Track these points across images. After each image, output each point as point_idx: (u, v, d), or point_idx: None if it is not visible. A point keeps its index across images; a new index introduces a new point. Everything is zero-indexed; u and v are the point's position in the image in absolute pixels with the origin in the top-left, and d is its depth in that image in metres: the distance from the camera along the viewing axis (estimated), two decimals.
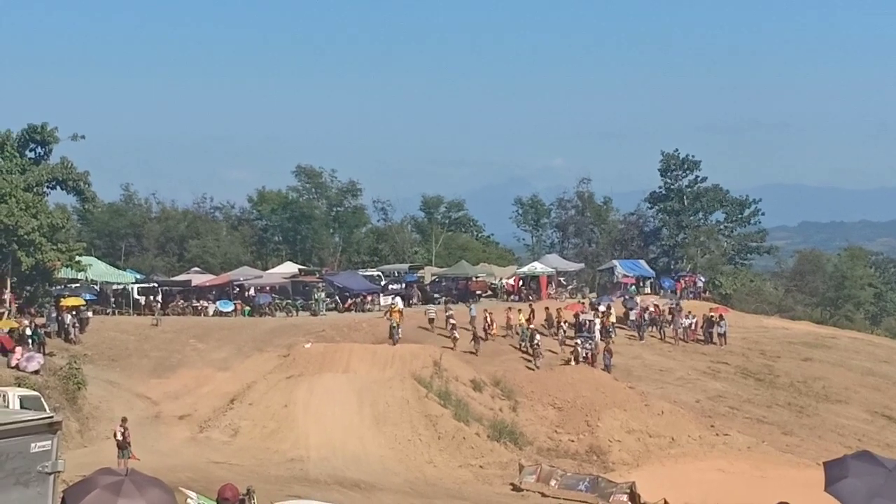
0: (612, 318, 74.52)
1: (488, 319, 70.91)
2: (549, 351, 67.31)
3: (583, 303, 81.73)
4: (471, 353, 65.62)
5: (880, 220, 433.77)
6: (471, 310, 73.50)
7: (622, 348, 70.70)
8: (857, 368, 75.24)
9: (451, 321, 68.75)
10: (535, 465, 48.56)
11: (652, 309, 79.86)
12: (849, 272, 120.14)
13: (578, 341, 67.54)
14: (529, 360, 65.25)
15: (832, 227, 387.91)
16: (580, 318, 72.23)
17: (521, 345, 68.03)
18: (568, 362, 65.37)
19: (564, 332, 70.44)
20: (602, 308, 76.81)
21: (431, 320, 71.67)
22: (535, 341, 66.08)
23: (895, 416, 67.18)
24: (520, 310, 73.92)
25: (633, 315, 78.04)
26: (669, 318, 78.34)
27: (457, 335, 67.14)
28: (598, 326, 71.11)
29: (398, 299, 76.51)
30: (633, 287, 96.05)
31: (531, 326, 69.59)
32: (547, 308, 76.48)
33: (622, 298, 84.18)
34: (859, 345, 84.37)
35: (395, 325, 65.87)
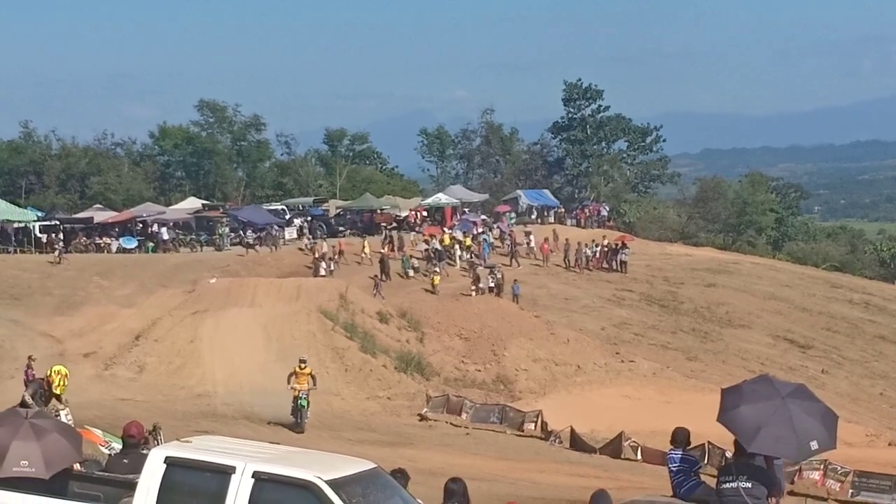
0: (467, 245, 77.11)
1: (338, 248, 73.65)
2: (398, 274, 69.30)
3: (442, 229, 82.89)
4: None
5: (780, 145, 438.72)
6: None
7: (528, 277, 71.12)
8: (759, 293, 76.25)
9: None
10: (442, 396, 48.74)
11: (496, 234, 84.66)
12: (750, 198, 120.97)
13: (437, 269, 68.95)
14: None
15: (734, 154, 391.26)
16: (428, 247, 74.32)
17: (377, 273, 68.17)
18: (431, 290, 66.39)
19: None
20: (458, 235, 78.41)
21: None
22: (385, 269, 67.80)
23: (797, 339, 68.20)
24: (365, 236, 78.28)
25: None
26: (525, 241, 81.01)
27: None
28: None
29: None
30: (511, 215, 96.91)
31: (380, 251, 71.85)
32: (398, 237, 78.44)
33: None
34: (761, 270, 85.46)
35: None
